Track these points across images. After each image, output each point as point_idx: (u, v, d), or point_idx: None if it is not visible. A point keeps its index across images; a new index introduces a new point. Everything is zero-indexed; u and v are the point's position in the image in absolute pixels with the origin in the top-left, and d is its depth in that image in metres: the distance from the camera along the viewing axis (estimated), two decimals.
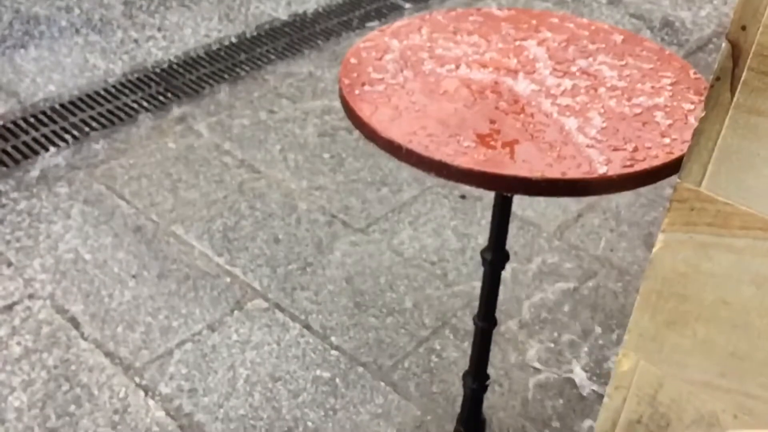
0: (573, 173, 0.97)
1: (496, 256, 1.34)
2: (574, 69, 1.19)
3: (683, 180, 0.87)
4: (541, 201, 2.45)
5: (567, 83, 1.15)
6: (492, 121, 1.07)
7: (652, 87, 1.16)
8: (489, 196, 2.47)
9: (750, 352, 0.91)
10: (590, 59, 1.22)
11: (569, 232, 2.35)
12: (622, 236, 2.34)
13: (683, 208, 0.89)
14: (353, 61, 1.18)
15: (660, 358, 1.00)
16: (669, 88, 1.16)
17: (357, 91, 1.11)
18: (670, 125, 1.07)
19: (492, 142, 1.03)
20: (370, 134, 1.05)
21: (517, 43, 1.25)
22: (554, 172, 0.97)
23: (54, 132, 2.60)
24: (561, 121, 1.07)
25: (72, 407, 1.76)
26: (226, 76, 2.94)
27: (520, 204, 2.41)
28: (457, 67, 1.18)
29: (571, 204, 2.45)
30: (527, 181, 0.97)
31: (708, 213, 0.87)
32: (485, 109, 1.09)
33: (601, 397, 1.84)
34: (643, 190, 2.52)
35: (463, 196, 2.47)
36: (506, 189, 1.04)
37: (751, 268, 0.86)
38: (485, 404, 1.71)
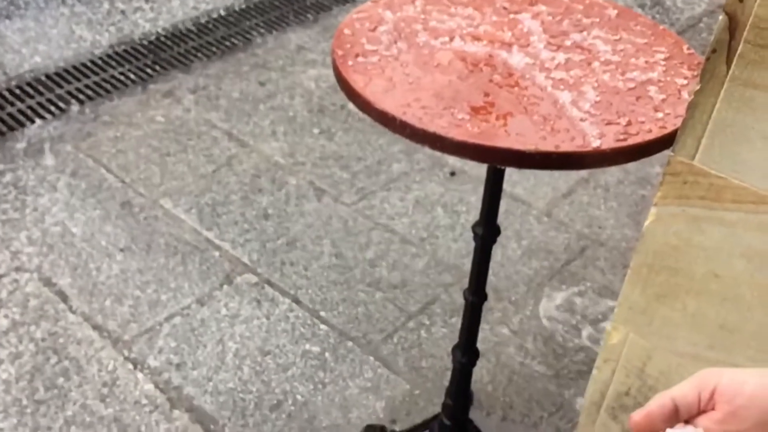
0: (566, 146, 0.97)
1: (487, 231, 1.34)
2: (568, 43, 1.19)
3: (677, 153, 0.87)
4: (530, 179, 2.46)
5: (561, 57, 1.15)
6: (486, 94, 1.06)
7: (646, 62, 1.16)
8: (478, 173, 2.47)
9: (739, 325, 0.92)
10: (584, 33, 1.21)
11: (558, 209, 2.36)
12: (610, 214, 2.35)
13: (676, 182, 0.89)
14: (347, 32, 1.16)
15: (649, 330, 1.01)
16: (662, 63, 1.16)
17: (350, 63, 1.10)
18: (663, 100, 1.07)
19: (486, 115, 1.02)
20: (364, 106, 1.04)
21: (512, 16, 1.24)
22: (548, 146, 0.97)
23: (40, 104, 2.57)
24: (555, 95, 1.07)
25: (60, 380, 1.75)
26: (214, 49, 2.91)
27: (510, 181, 2.42)
28: (452, 39, 1.17)
29: (560, 182, 2.46)
30: (521, 154, 0.97)
31: (701, 186, 0.87)
32: (479, 82, 1.08)
33: (588, 371, 1.86)
34: (631, 167, 2.53)
35: (452, 173, 2.46)
36: (500, 162, 1.03)
37: (743, 242, 0.87)
38: (473, 379, 1.72)
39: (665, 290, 0.96)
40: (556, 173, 2.50)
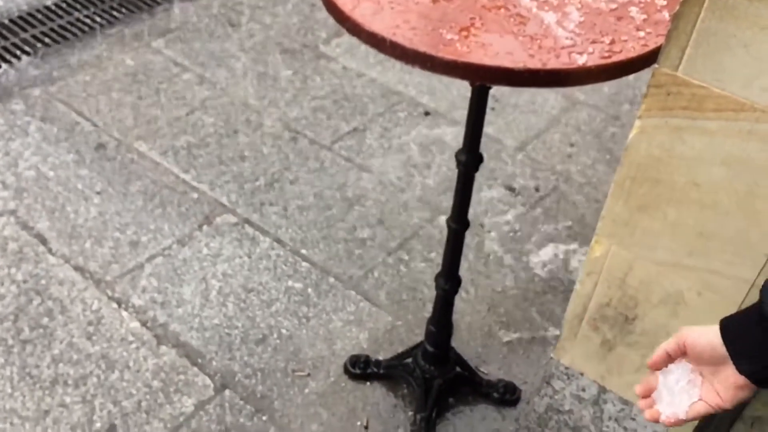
0: (553, 64, 1.00)
1: (470, 158, 1.37)
2: None
3: (661, 65, 0.91)
4: (506, 117, 2.49)
5: None
6: (474, 16, 1.08)
7: None
8: (452, 113, 2.49)
9: (717, 231, 0.97)
10: None
11: (531, 147, 2.40)
12: (581, 151, 2.40)
13: (660, 93, 0.92)
14: None
15: (631, 242, 1.06)
16: None
17: None
18: (644, 20, 1.10)
19: (475, 36, 1.04)
20: (353, 28, 1.05)
21: None
22: (535, 63, 1.00)
23: (5, 48, 2.50)
24: (540, 16, 1.09)
25: (45, 320, 1.76)
26: None
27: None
28: None
29: (533, 121, 2.50)
30: (510, 72, 0.99)
31: (683, 97, 0.91)
32: (466, 4, 1.10)
33: (565, 298, 1.93)
34: (602, 105, 2.58)
35: (427, 113, 2.48)
36: (489, 80, 1.06)
37: (723, 149, 0.91)
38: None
39: (647, 201, 1.01)
40: (528, 111, 2.53)
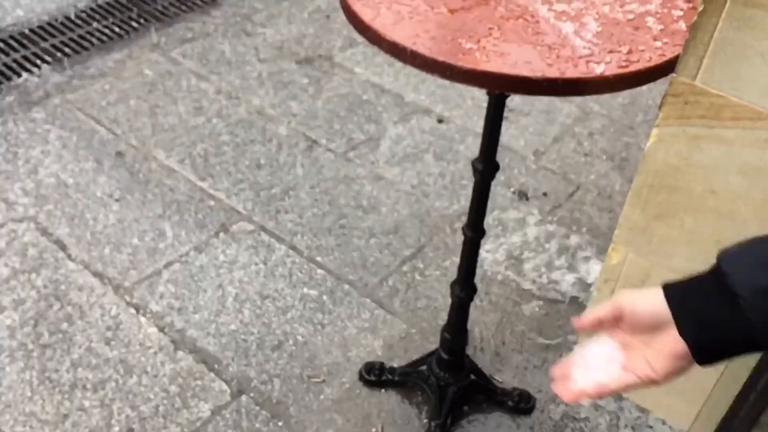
0: (572, 73, 1.01)
1: (486, 166, 1.38)
2: None
3: (679, 74, 0.92)
4: (519, 126, 2.50)
5: None
6: (492, 26, 1.09)
7: None
8: (466, 120, 2.51)
9: (734, 239, 0.98)
10: None
11: (545, 156, 2.41)
12: (596, 160, 2.41)
13: (677, 102, 0.94)
14: None
15: (648, 249, 1.07)
16: None
17: None
18: (661, 30, 1.11)
19: (493, 45, 1.06)
20: (374, 38, 1.07)
21: None
22: (554, 72, 1.01)
23: (25, 57, 2.54)
24: (558, 26, 1.10)
25: (64, 325, 1.78)
26: (199, 2, 2.89)
27: None
28: None
29: (547, 129, 2.51)
30: (528, 81, 1.01)
31: (701, 105, 0.92)
32: (485, 14, 1.12)
33: (580, 306, 1.93)
34: (616, 116, 2.59)
35: (440, 121, 2.50)
36: (508, 89, 1.07)
37: (740, 158, 0.92)
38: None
39: (664, 209, 1.02)
40: (542, 121, 2.54)
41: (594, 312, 0.74)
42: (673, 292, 0.71)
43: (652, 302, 0.71)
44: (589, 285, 2.00)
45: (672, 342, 0.70)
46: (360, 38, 1.18)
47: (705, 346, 0.69)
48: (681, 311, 0.69)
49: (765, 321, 0.65)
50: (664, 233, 1.04)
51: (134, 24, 2.73)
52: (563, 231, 2.16)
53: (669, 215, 1.02)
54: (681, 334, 0.69)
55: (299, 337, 1.83)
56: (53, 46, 2.60)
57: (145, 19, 2.76)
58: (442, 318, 1.81)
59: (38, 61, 2.53)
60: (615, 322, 0.74)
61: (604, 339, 0.76)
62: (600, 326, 0.75)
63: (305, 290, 1.95)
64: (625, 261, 1.10)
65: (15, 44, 2.58)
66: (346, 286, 1.96)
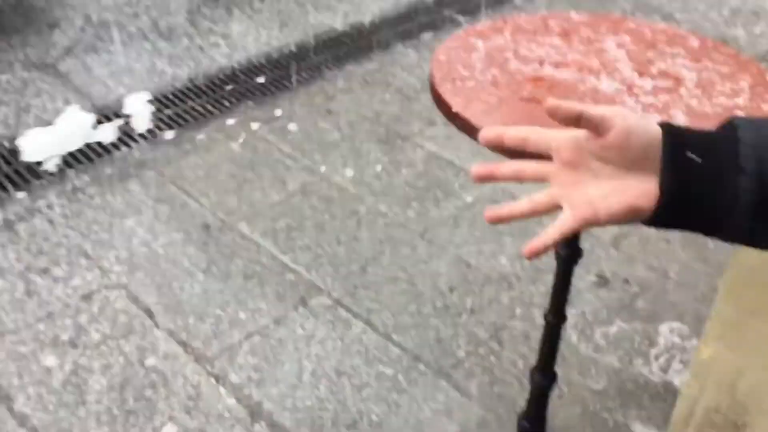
0: None
1: (569, 252, 1.38)
2: (654, 70, 1.24)
3: None
4: None
5: (648, 83, 1.20)
6: None
7: (731, 89, 1.20)
8: None
9: None
10: (669, 61, 1.26)
11: (626, 242, 2.38)
12: (678, 248, 2.36)
13: None
14: (442, 58, 1.24)
15: (741, 346, 1.04)
16: (747, 90, 1.20)
17: (448, 86, 1.17)
18: None
19: None
20: (464, 126, 1.11)
21: (597, 45, 1.30)
22: None
23: (125, 132, 2.71)
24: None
25: (149, 392, 1.84)
26: (286, 83, 3.04)
27: None
28: (542, 65, 1.23)
29: None
30: None
31: None
32: None
33: (664, 401, 1.86)
34: None
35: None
36: None
37: None
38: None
39: (758, 305, 0.99)
40: None
41: (581, 107, 0.63)
42: (676, 135, 0.63)
43: (652, 134, 0.62)
44: (675, 378, 1.93)
45: (637, 188, 0.63)
46: (440, 118, 1.22)
47: (674, 206, 0.62)
48: (672, 157, 0.62)
49: (755, 202, 0.59)
50: (759, 329, 1.01)
51: (226, 102, 2.89)
52: (647, 320, 2.10)
53: (763, 311, 0.99)
54: (662, 178, 0.62)
55: (374, 417, 1.83)
56: (151, 122, 2.76)
57: (236, 98, 2.92)
58: (519, 405, 1.78)
59: (137, 137, 2.69)
60: (594, 131, 0.64)
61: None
62: (575, 122, 0.64)
63: (381, 368, 1.95)
64: (717, 356, 1.07)
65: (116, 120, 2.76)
66: (422, 366, 1.96)
